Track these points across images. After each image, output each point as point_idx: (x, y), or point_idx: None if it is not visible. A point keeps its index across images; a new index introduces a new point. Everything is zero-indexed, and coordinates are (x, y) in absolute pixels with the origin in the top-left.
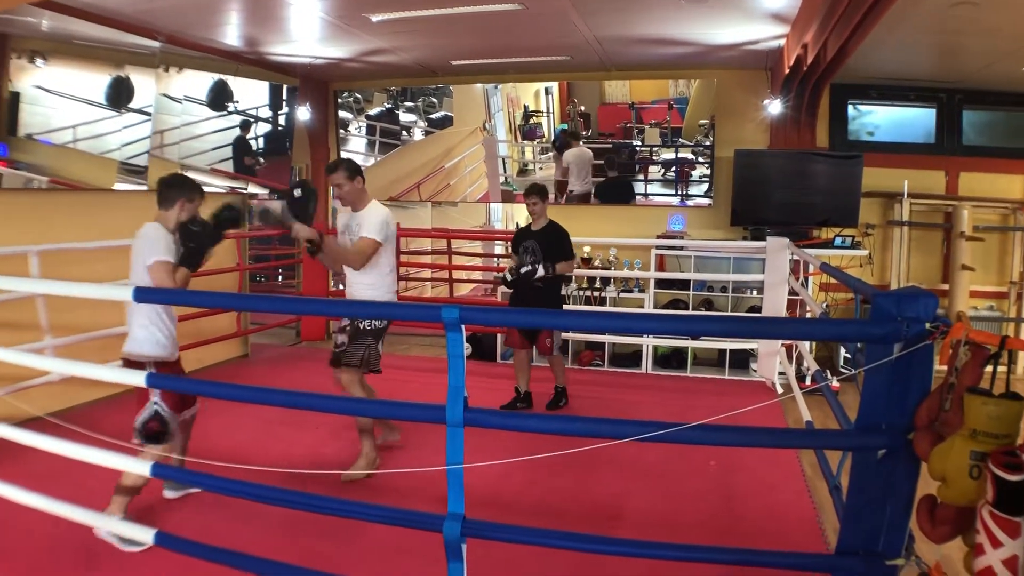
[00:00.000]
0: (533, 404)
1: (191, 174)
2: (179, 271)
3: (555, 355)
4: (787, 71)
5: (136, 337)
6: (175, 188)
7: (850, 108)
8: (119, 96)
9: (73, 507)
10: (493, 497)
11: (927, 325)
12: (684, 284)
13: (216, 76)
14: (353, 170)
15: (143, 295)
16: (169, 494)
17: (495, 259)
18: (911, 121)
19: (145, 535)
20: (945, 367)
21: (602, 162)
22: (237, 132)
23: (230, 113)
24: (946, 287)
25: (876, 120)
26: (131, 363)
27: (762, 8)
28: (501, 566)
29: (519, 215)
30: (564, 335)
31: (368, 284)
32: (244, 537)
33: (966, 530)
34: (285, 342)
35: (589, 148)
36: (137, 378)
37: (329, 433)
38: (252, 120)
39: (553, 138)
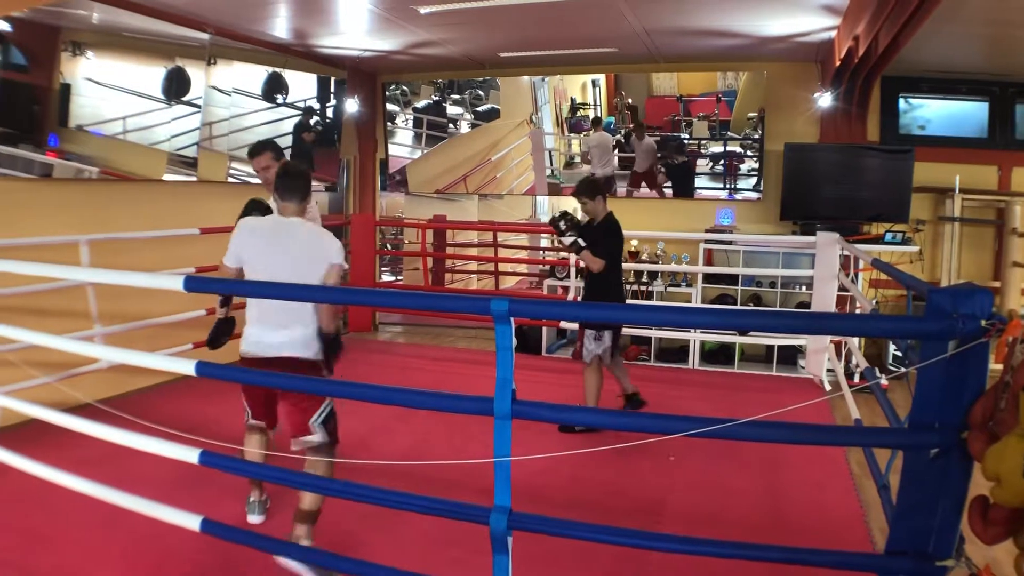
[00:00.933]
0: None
1: (237, 166)
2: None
3: (586, 363)
4: (838, 64)
5: (301, 337)
6: (308, 180)
7: (901, 102)
8: (174, 88)
9: (121, 493)
10: (536, 490)
11: (983, 322)
12: (732, 279)
13: (268, 68)
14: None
15: (194, 284)
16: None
17: (541, 252)
18: (963, 115)
19: (192, 522)
20: (1000, 365)
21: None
22: (298, 117)
23: (279, 105)
24: (997, 284)
25: (928, 114)
26: (298, 365)
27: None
28: (542, 559)
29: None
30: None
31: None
32: (289, 526)
33: (1018, 532)
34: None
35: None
36: (185, 366)
37: (375, 423)
38: (306, 112)
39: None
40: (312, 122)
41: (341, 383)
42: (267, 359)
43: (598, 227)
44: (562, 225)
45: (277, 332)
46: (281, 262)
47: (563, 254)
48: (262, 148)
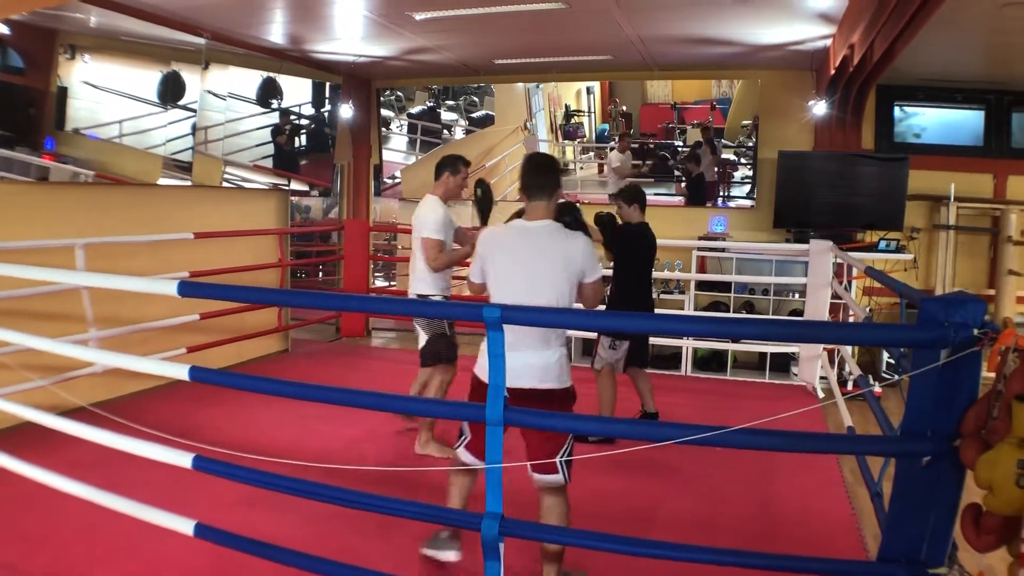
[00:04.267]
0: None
1: (232, 171)
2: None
3: (596, 370)
4: (833, 72)
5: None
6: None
7: (896, 110)
8: (169, 92)
9: (114, 496)
10: (530, 497)
11: (975, 331)
12: (725, 286)
13: (263, 73)
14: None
15: (188, 289)
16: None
17: None
18: (959, 123)
19: (185, 526)
20: (993, 374)
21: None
22: (275, 123)
23: (274, 110)
24: (992, 292)
25: (923, 122)
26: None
27: (808, 8)
28: (535, 566)
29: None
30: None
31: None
32: (281, 531)
33: (1011, 540)
34: (325, 338)
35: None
36: (179, 371)
37: (368, 430)
38: (290, 114)
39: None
40: (286, 125)
41: (335, 389)
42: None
43: (619, 229)
44: (567, 219)
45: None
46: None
47: None
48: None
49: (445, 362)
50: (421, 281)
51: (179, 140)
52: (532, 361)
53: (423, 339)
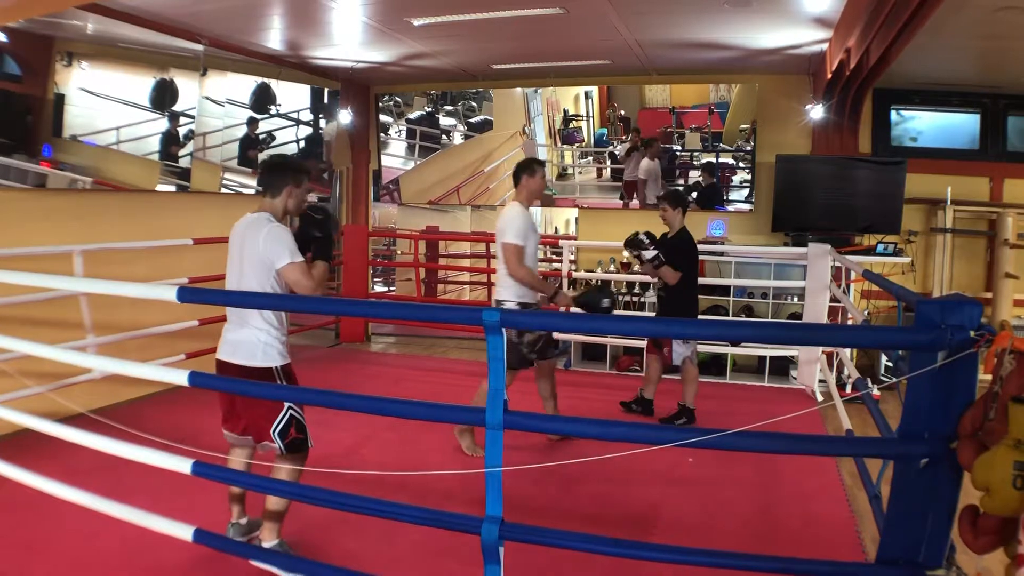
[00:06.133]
0: (652, 413)
1: (230, 176)
2: (316, 266)
3: (678, 365)
4: (829, 76)
5: (255, 342)
6: (281, 172)
7: (893, 113)
8: (164, 98)
9: (114, 503)
10: (529, 501)
11: (971, 333)
12: (724, 290)
13: (261, 80)
14: None
15: (188, 295)
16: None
17: None
18: (955, 127)
19: (184, 532)
20: (990, 376)
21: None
22: (244, 130)
23: (272, 116)
24: (989, 295)
25: (919, 126)
26: (252, 373)
27: (805, 12)
28: (536, 570)
29: (558, 219)
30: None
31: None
32: (283, 536)
33: (1008, 541)
34: (324, 343)
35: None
36: (178, 376)
37: (368, 434)
38: (260, 119)
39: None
40: (259, 135)
41: (335, 393)
42: None
43: (671, 240)
44: (644, 240)
45: None
46: None
47: (555, 265)
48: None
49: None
50: (502, 287)
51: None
52: (230, 337)
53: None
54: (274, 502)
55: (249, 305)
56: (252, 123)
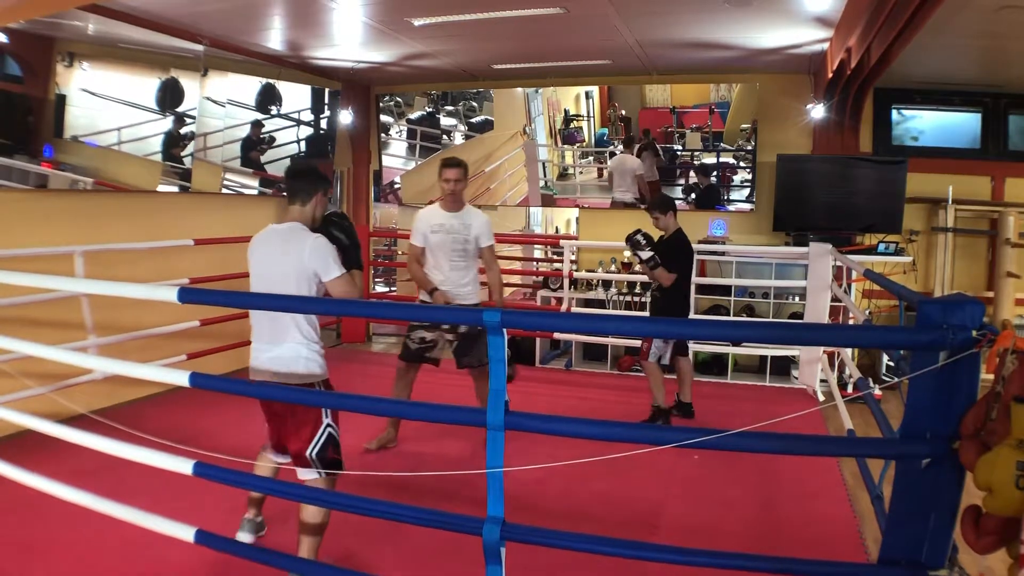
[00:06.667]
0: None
1: (231, 177)
2: (355, 275)
3: (648, 363)
4: (830, 75)
5: (296, 357)
6: (311, 179)
7: (894, 113)
8: (167, 99)
9: (115, 503)
10: (531, 501)
11: (973, 333)
12: (725, 290)
13: (262, 80)
14: (467, 169)
15: (189, 295)
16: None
17: (534, 263)
18: (956, 126)
19: (186, 533)
20: (992, 375)
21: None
22: (246, 131)
23: (273, 116)
24: (991, 294)
25: (920, 125)
26: (295, 384)
27: (806, 12)
28: (538, 571)
29: (559, 219)
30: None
31: (474, 283)
32: (283, 537)
33: (1011, 541)
34: (325, 344)
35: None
36: (179, 377)
37: (370, 435)
38: (263, 120)
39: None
40: (263, 136)
41: (335, 395)
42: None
43: (667, 242)
44: (641, 240)
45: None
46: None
47: (556, 265)
48: (460, 163)
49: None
50: None
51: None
52: (267, 356)
53: None
54: (311, 513)
55: (247, 306)
56: (256, 125)
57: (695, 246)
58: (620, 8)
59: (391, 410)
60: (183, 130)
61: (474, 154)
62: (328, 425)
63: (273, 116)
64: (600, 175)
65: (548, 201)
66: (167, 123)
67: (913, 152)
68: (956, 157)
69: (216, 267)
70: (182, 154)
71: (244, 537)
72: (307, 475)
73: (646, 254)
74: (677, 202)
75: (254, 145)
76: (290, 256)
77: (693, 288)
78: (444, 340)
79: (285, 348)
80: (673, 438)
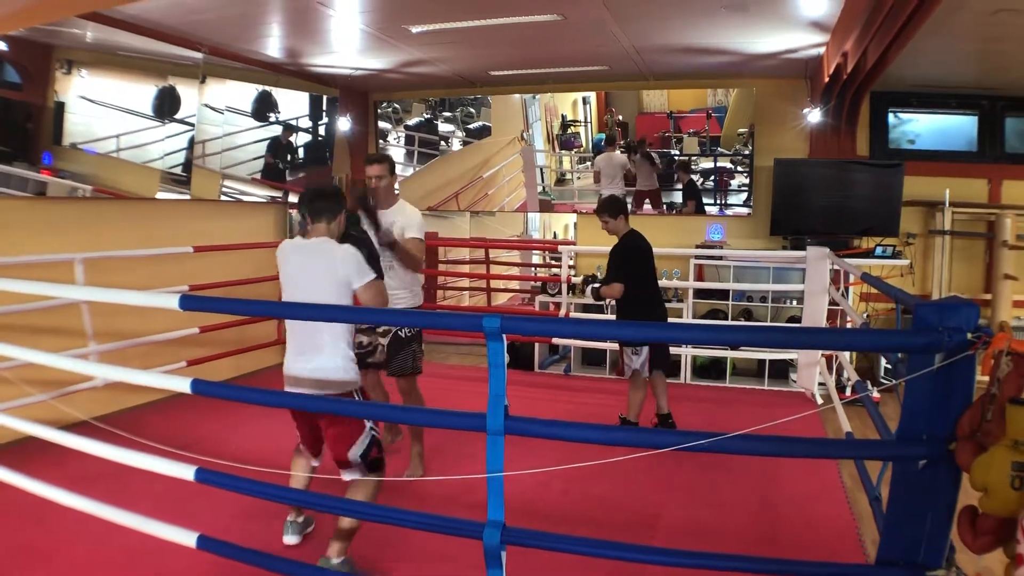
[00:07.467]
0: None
1: (230, 184)
2: (380, 282)
3: (628, 377)
4: (827, 79)
5: (333, 368)
6: (335, 199)
7: (890, 116)
8: (165, 106)
9: (117, 509)
10: (530, 505)
11: (969, 335)
12: (723, 294)
13: (259, 87)
14: (393, 164)
15: (190, 303)
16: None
17: (532, 268)
18: (952, 129)
19: (188, 538)
20: (987, 377)
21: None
22: (277, 135)
23: (271, 123)
24: (988, 297)
25: (917, 128)
26: (333, 393)
27: (802, 16)
28: (538, 574)
29: (556, 224)
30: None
31: (408, 288)
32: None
33: (1007, 541)
34: None
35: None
36: (180, 384)
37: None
38: (292, 129)
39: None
40: (288, 138)
41: (335, 401)
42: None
43: (612, 250)
44: (581, 279)
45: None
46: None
47: (554, 270)
48: (383, 159)
49: None
50: None
51: (176, 154)
52: (301, 367)
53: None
54: (346, 521)
55: (247, 313)
56: (288, 129)
57: (692, 251)
58: (616, 14)
59: (392, 415)
60: (182, 137)
61: (472, 160)
62: (371, 428)
63: (271, 123)
64: (597, 180)
65: (546, 206)
66: (166, 130)
67: (910, 155)
68: (953, 160)
69: (216, 274)
70: (180, 160)
71: (290, 540)
72: (351, 476)
73: (588, 288)
74: (677, 204)
75: (282, 150)
76: (322, 267)
77: (691, 293)
78: (380, 345)
79: (324, 358)
80: (672, 442)
